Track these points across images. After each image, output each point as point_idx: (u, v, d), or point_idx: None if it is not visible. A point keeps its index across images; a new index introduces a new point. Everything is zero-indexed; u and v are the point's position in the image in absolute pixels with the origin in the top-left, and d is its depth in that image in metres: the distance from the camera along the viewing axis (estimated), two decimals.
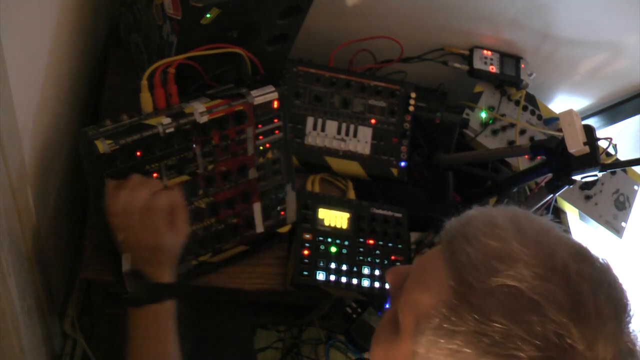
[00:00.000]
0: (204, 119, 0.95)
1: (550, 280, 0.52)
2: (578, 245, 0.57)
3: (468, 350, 0.52)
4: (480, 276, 0.53)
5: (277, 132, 1.05)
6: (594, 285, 0.53)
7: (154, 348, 0.87)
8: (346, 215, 1.21)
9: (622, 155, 1.33)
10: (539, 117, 1.49)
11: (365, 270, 1.18)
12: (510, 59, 1.44)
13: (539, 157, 1.26)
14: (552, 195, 1.12)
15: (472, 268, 0.54)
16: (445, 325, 0.54)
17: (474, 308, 0.52)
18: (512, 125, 1.45)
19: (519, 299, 0.51)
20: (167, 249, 0.90)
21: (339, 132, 1.30)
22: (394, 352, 0.62)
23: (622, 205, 1.53)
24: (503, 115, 1.45)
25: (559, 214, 1.54)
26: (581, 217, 1.52)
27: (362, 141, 1.31)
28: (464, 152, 1.41)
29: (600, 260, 0.56)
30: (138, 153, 0.91)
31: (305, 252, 1.16)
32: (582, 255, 0.55)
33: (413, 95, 1.34)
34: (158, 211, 0.88)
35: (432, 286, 0.58)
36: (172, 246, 0.91)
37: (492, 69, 1.41)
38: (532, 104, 1.49)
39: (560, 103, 1.61)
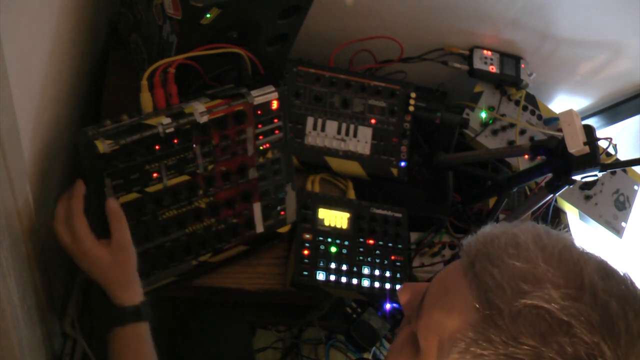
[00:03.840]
0: (204, 119, 0.95)
1: (579, 300, 0.51)
2: (600, 260, 0.56)
3: None
4: (507, 298, 0.53)
5: (277, 132, 1.05)
6: (622, 302, 0.52)
7: None
8: (346, 215, 1.21)
9: (622, 155, 1.33)
10: (539, 117, 1.49)
11: (365, 270, 1.18)
12: (510, 59, 1.44)
13: (539, 157, 1.26)
14: (552, 195, 1.12)
15: (498, 290, 0.53)
16: (472, 349, 0.54)
17: (502, 331, 0.52)
18: (512, 125, 1.45)
19: (549, 320, 0.51)
20: (108, 270, 0.88)
21: (339, 132, 1.30)
22: None
23: (622, 205, 1.53)
24: (503, 115, 1.45)
25: (559, 214, 1.54)
26: (581, 217, 1.52)
27: (362, 141, 1.31)
28: (464, 152, 1.41)
29: (622, 275, 0.55)
30: (138, 153, 0.91)
31: (305, 252, 1.16)
32: (606, 271, 0.55)
33: (413, 95, 1.34)
34: (76, 237, 0.87)
35: (456, 308, 0.56)
36: (114, 265, 0.88)
37: (492, 69, 1.41)
38: (532, 104, 1.49)
39: (560, 103, 1.61)
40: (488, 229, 0.60)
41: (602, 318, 0.51)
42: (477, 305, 0.54)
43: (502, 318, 0.52)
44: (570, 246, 0.56)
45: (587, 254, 0.56)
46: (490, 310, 0.53)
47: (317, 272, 1.15)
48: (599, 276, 0.53)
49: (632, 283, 0.55)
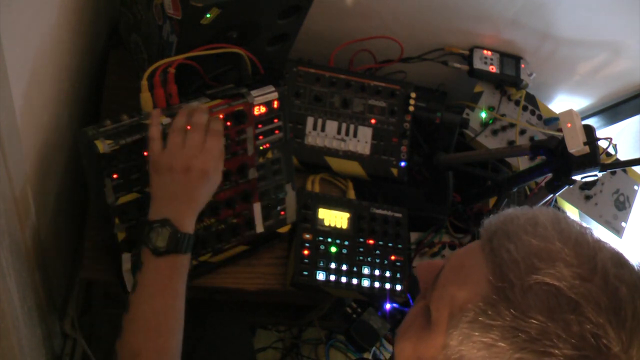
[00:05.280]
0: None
1: (590, 281, 0.53)
2: (615, 251, 0.57)
3: (503, 345, 0.53)
4: (520, 273, 0.54)
5: (277, 132, 1.05)
6: (632, 289, 0.53)
7: (163, 299, 0.85)
8: (346, 215, 1.21)
9: (622, 155, 1.33)
10: (539, 117, 1.49)
11: (365, 270, 1.18)
12: (510, 59, 1.44)
13: (539, 157, 1.26)
14: (552, 195, 1.12)
15: (512, 264, 0.55)
16: (480, 319, 0.55)
17: (512, 304, 0.53)
18: (512, 125, 1.45)
19: (558, 298, 0.52)
20: (201, 199, 0.89)
21: (339, 132, 1.30)
22: (424, 346, 0.62)
23: (622, 205, 1.53)
24: (503, 115, 1.45)
25: None
26: (581, 217, 1.52)
27: (362, 141, 1.31)
28: (464, 152, 1.41)
29: (637, 266, 0.57)
30: (138, 153, 0.91)
31: (305, 252, 1.16)
32: (620, 259, 0.56)
33: (413, 95, 1.34)
34: (209, 159, 0.88)
35: (469, 281, 0.58)
36: (206, 196, 0.91)
37: (492, 69, 1.41)
38: (532, 104, 1.49)
39: (560, 103, 1.61)
40: (509, 209, 0.62)
41: (611, 301, 0.52)
42: (491, 278, 0.56)
43: (513, 292, 0.53)
44: (587, 233, 0.58)
45: (604, 242, 0.58)
46: (503, 283, 0.54)
47: (317, 272, 1.15)
48: (612, 263, 0.54)
49: None
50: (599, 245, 0.56)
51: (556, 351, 0.50)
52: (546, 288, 0.53)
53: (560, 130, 1.41)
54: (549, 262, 0.54)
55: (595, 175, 1.07)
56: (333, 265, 1.16)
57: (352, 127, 1.31)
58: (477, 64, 1.40)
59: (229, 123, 0.98)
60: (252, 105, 1.00)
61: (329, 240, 1.18)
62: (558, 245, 0.55)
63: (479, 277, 0.57)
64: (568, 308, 0.51)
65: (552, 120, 1.48)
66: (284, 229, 1.16)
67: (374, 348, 1.37)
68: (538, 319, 0.52)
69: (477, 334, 0.55)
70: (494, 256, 0.57)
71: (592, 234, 0.58)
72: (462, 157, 1.38)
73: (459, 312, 0.57)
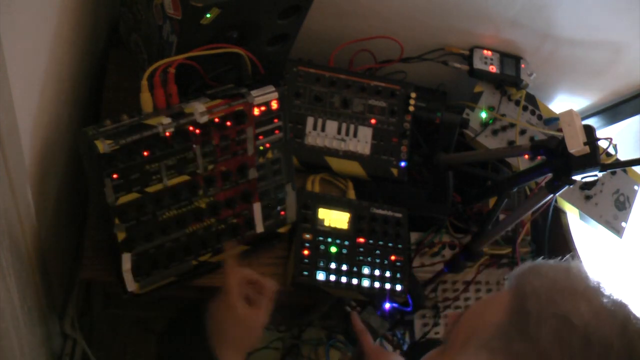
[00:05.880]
0: (204, 119, 0.95)
1: (606, 323, 0.53)
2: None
3: None
4: (539, 305, 0.55)
5: (277, 132, 1.05)
6: None
7: None
8: (346, 215, 1.21)
9: (622, 155, 1.33)
10: (539, 117, 1.49)
11: (365, 270, 1.18)
12: (510, 59, 1.44)
13: (539, 157, 1.26)
14: (552, 195, 1.12)
15: (533, 296, 0.56)
16: (490, 344, 0.56)
17: (523, 332, 0.54)
18: (512, 125, 1.45)
19: (571, 332, 0.52)
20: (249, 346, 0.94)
21: (339, 132, 1.30)
22: None
23: (622, 205, 1.53)
24: (503, 115, 1.45)
25: (559, 214, 1.54)
26: (581, 217, 1.52)
27: (362, 141, 1.31)
28: (464, 152, 1.41)
29: None
30: (138, 153, 0.91)
31: (305, 252, 1.16)
32: None
33: (413, 95, 1.34)
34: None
35: (490, 312, 0.59)
36: (248, 332, 0.94)
37: (492, 69, 1.41)
38: (532, 104, 1.49)
39: (560, 103, 1.61)
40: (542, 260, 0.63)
41: (625, 349, 0.52)
42: (509, 308, 0.57)
43: (528, 321, 0.54)
44: (614, 291, 0.58)
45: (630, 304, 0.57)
46: (519, 312, 0.55)
47: (317, 272, 1.15)
48: (634, 317, 0.54)
49: None
50: (624, 302, 0.56)
51: None
52: (561, 321, 0.53)
53: (560, 130, 1.41)
54: (570, 299, 0.54)
55: (596, 176, 1.06)
56: (333, 265, 1.16)
57: (352, 127, 1.31)
58: (477, 64, 1.40)
59: (229, 123, 0.98)
60: (252, 105, 1.00)
61: (329, 240, 1.18)
62: (583, 286, 0.56)
63: (499, 308, 0.58)
64: (578, 343, 0.52)
65: (552, 120, 1.48)
66: (284, 229, 1.16)
67: None
68: (545, 348, 0.52)
69: (483, 357, 0.55)
70: (517, 289, 0.58)
71: (617, 295, 0.58)
72: (462, 157, 1.38)
73: (473, 337, 0.58)
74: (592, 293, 0.55)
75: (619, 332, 0.52)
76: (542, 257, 0.65)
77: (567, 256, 0.64)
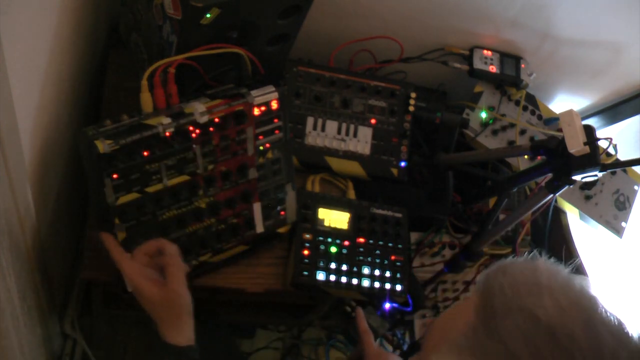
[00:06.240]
0: (204, 119, 0.95)
1: (570, 315, 0.53)
2: (607, 307, 0.58)
3: None
4: (505, 300, 0.56)
5: (277, 132, 1.05)
6: (616, 336, 0.53)
7: None
8: (346, 215, 1.21)
9: (622, 155, 1.33)
10: (539, 117, 1.49)
11: (365, 270, 1.18)
12: (510, 59, 1.44)
13: (539, 157, 1.26)
14: (552, 195, 1.12)
15: (500, 293, 0.57)
16: (458, 342, 0.57)
17: (490, 327, 0.55)
18: (512, 125, 1.45)
19: (536, 325, 0.53)
20: (157, 307, 0.89)
21: (339, 132, 1.30)
22: None
23: (622, 205, 1.53)
24: (503, 115, 1.45)
25: (559, 214, 1.54)
26: (581, 217, 1.52)
27: (362, 141, 1.31)
28: (464, 152, 1.41)
29: (625, 324, 0.57)
30: (138, 153, 0.91)
31: (305, 252, 1.16)
32: (607, 310, 0.56)
33: (413, 95, 1.34)
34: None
35: (461, 314, 0.60)
36: (164, 304, 0.88)
37: (492, 69, 1.41)
38: (532, 104, 1.49)
39: (560, 103, 1.61)
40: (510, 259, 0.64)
41: (588, 338, 0.52)
42: (478, 306, 0.58)
43: (494, 317, 0.55)
44: (585, 284, 0.58)
45: (599, 299, 0.57)
46: (486, 309, 0.57)
47: (317, 272, 1.15)
48: (600, 309, 0.55)
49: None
50: (594, 296, 0.57)
51: None
52: (526, 315, 0.54)
53: (560, 130, 1.41)
54: (536, 294, 0.55)
55: (596, 176, 1.06)
56: (333, 265, 1.16)
57: (352, 127, 1.31)
58: (477, 64, 1.40)
59: (229, 123, 0.98)
60: (252, 105, 1.00)
61: (329, 240, 1.18)
62: (550, 281, 0.57)
63: (468, 309, 0.59)
64: (543, 337, 0.52)
65: (552, 120, 1.48)
66: (284, 229, 1.16)
67: None
68: (510, 342, 0.53)
69: (453, 356, 0.57)
70: (485, 287, 0.59)
71: (588, 288, 0.58)
72: (462, 157, 1.38)
73: (444, 338, 0.59)
74: (558, 288, 0.56)
75: (585, 325, 0.53)
76: (512, 256, 0.66)
77: (575, 260, 0.64)
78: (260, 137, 1.03)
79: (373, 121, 1.32)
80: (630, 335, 0.54)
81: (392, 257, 1.21)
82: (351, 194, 1.30)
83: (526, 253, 0.65)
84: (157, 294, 0.87)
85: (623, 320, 0.55)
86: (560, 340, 0.52)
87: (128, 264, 0.89)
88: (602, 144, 1.09)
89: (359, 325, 1.08)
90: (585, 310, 0.54)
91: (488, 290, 0.58)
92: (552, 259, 0.62)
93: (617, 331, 0.54)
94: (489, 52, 1.42)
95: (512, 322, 0.54)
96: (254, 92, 1.00)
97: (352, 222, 1.21)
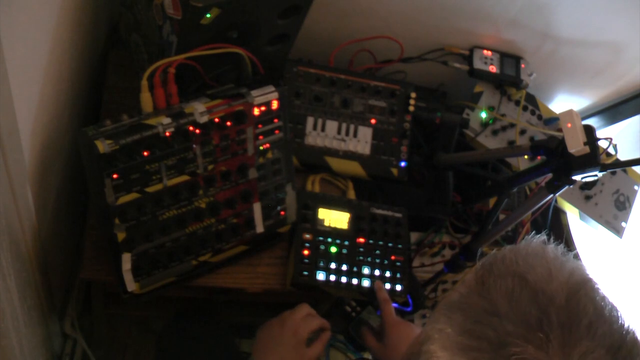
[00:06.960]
0: (204, 119, 0.95)
1: (557, 281, 0.55)
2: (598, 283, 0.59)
3: (458, 316, 0.57)
4: (502, 267, 0.58)
5: (277, 132, 1.05)
6: (598, 310, 0.55)
7: None
8: (346, 215, 1.21)
9: (622, 155, 1.33)
10: (539, 117, 1.49)
11: (365, 270, 1.18)
12: (510, 59, 1.44)
13: (539, 157, 1.26)
14: (552, 195, 1.12)
15: (500, 261, 0.59)
16: (453, 300, 0.59)
17: (483, 288, 0.57)
18: (512, 125, 1.45)
19: (522, 287, 0.55)
20: None
21: (339, 132, 1.30)
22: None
23: (622, 205, 1.53)
24: (503, 115, 1.45)
25: (559, 214, 1.54)
26: (581, 217, 1.52)
27: (362, 141, 1.31)
28: (464, 152, 1.41)
29: (609, 300, 0.58)
30: (138, 153, 0.91)
31: (305, 252, 1.16)
32: (594, 286, 0.58)
33: (413, 95, 1.34)
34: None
35: (465, 281, 0.63)
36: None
37: (492, 69, 1.41)
38: (532, 104, 1.49)
39: (560, 103, 1.61)
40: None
41: (568, 303, 0.54)
42: (478, 272, 0.60)
43: (488, 279, 0.58)
44: (581, 266, 0.60)
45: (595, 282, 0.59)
46: (484, 273, 0.59)
47: (317, 272, 1.15)
48: (589, 284, 0.57)
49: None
50: (591, 279, 0.58)
51: (501, 326, 0.54)
52: (517, 279, 0.56)
53: (560, 130, 1.41)
54: (532, 262, 0.58)
55: (596, 176, 1.06)
56: (333, 265, 1.16)
57: (352, 127, 1.31)
58: (477, 64, 1.40)
59: (229, 123, 0.98)
60: (252, 105, 1.00)
61: (329, 240, 1.18)
62: (552, 256, 0.59)
63: (470, 278, 0.61)
64: (526, 296, 0.55)
65: (552, 120, 1.48)
66: (284, 229, 1.16)
67: None
68: (496, 298, 0.55)
69: (444, 311, 0.59)
70: (490, 258, 0.61)
71: (583, 269, 0.60)
72: (462, 157, 1.38)
73: (445, 299, 0.62)
74: (558, 262, 0.58)
75: (568, 293, 0.55)
76: None
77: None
78: (260, 137, 1.03)
79: (373, 121, 1.32)
80: (617, 317, 0.55)
81: (392, 257, 1.21)
82: (351, 194, 1.30)
83: (537, 235, 0.66)
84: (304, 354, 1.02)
85: (617, 307, 0.57)
86: (539, 297, 0.54)
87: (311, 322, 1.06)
88: (602, 144, 1.09)
89: (378, 296, 1.13)
90: (576, 284, 0.56)
91: (492, 258, 0.60)
92: (562, 246, 0.63)
93: (602, 308, 0.55)
94: (489, 52, 1.42)
95: (503, 283, 0.56)
96: (254, 92, 1.00)
97: (352, 222, 1.21)
